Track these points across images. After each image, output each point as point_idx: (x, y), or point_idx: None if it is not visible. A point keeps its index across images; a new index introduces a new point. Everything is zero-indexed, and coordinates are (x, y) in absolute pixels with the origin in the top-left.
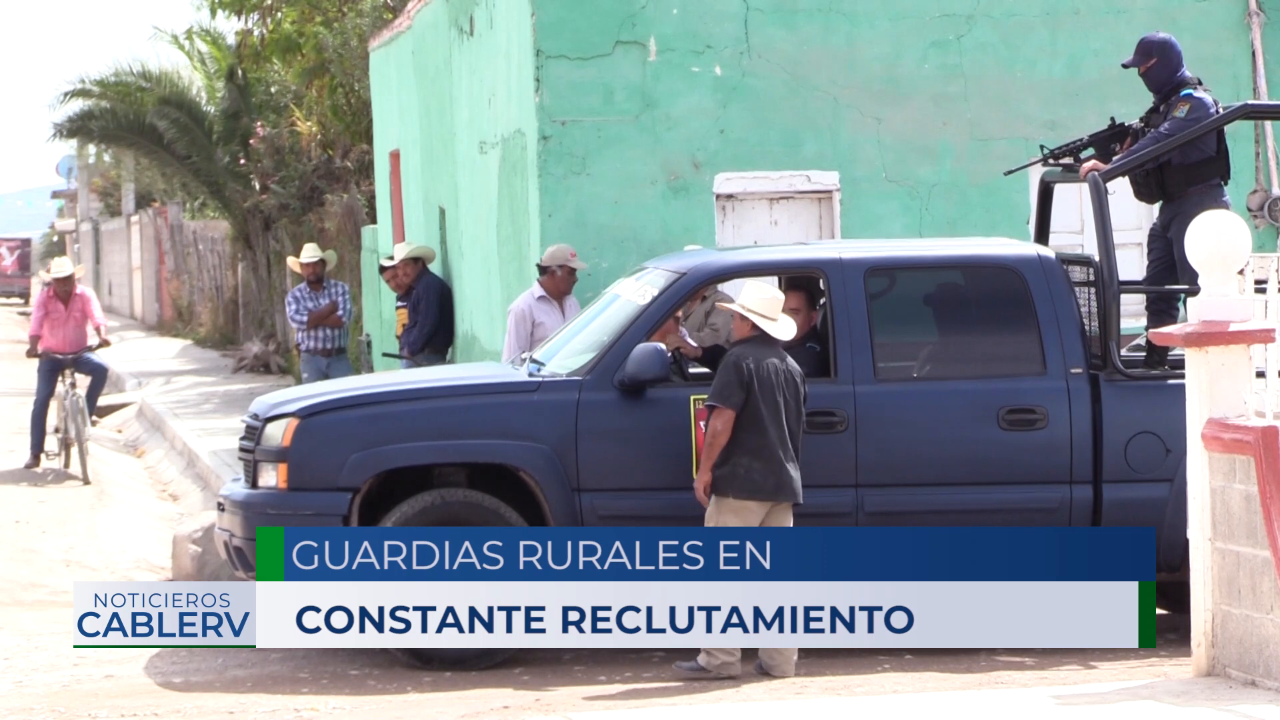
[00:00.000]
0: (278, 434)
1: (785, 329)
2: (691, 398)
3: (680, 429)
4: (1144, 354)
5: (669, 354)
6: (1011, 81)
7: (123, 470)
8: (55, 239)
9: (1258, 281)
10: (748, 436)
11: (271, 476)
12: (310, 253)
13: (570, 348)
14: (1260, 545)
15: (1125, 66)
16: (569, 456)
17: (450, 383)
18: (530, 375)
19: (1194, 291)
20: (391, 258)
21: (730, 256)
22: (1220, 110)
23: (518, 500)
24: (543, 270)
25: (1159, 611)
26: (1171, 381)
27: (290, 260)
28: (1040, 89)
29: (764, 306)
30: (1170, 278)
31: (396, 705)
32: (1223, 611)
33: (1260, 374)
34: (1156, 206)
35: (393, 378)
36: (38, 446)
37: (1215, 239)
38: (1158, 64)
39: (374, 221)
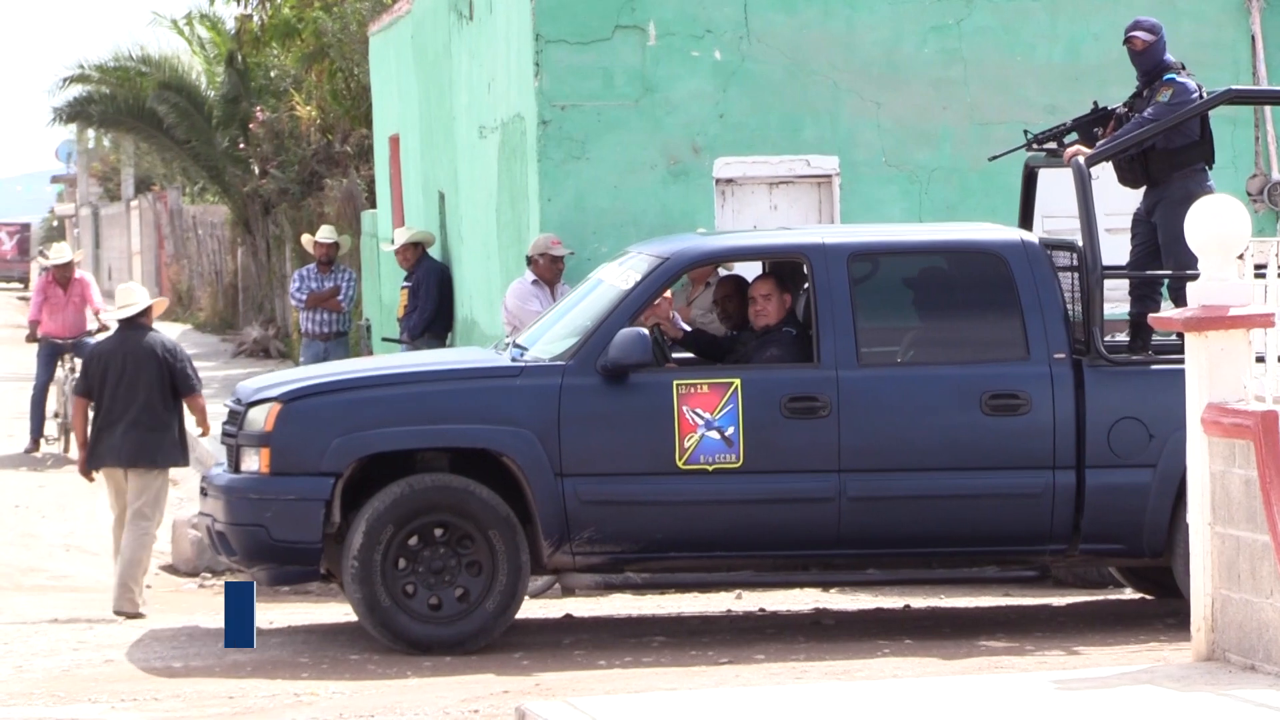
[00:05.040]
0: (260, 418)
1: (125, 309)
2: (674, 382)
3: (663, 413)
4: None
5: (651, 335)
6: (1011, 66)
7: None
8: (54, 224)
9: (1257, 266)
10: (94, 416)
11: (254, 461)
12: (327, 233)
13: (553, 333)
14: (1260, 530)
15: (1127, 35)
16: (552, 441)
17: (433, 367)
18: (513, 360)
19: (1180, 278)
20: (391, 242)
21: (714, 241)
22: (1204, 95)
23: (501, 485)
24: (530, 260)
25: (1142, 596)
26: (1155, 367)
27: (305, 238)
28: (1040, 73)
29: (120, 298)
30: (1153, 263)
31: (396, 690)
32: (1222, 596)
33: (1260, 358)
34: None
35: (376, 362)
36: (37, 431)
37: (1215, 223)
38: (1156, 43)
39: (373, 206)
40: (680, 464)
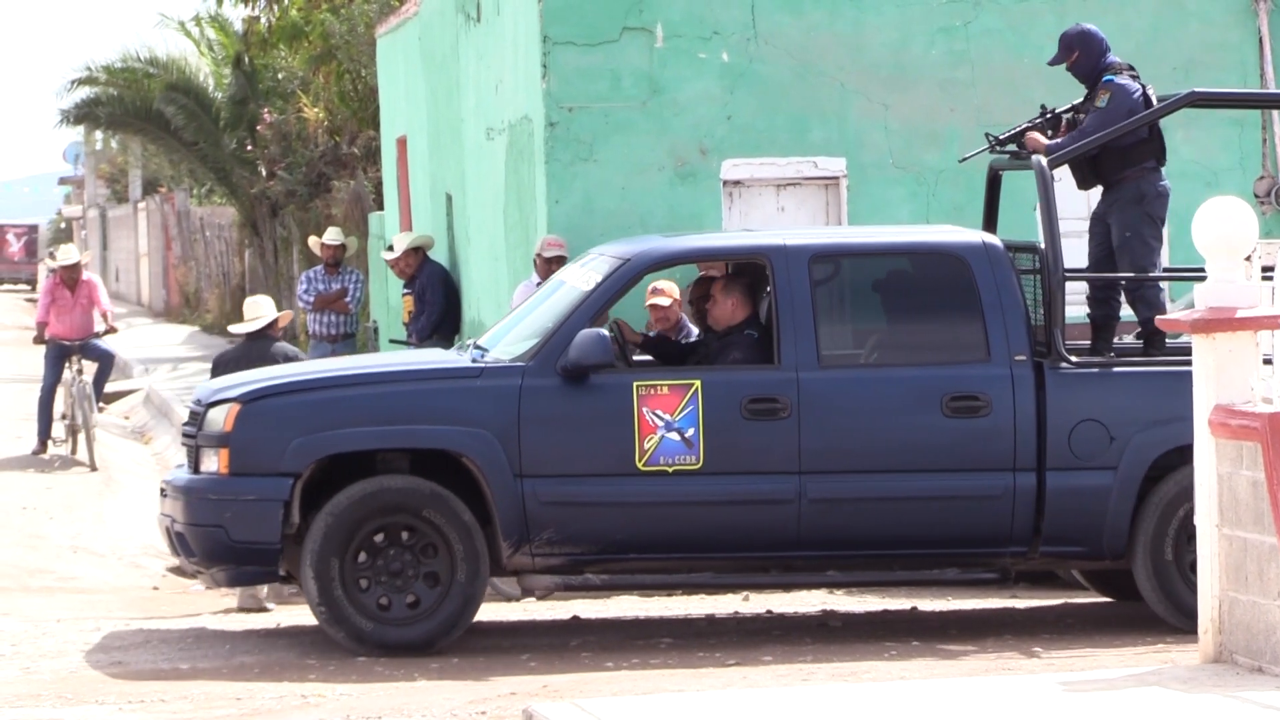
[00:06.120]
0: (219, 419)
1: (252, 323)
2: (635, 383)
3: (623, 415)
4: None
5: (612, 338)
6: (1018, 67)
7: (129, 456)
8: (62, 225)
9: (1265, 268)
10: None
11: (213, 462)
12: (334, 235)
13: (515, 334)
14: (1267, 531)
15: (1051, 64)
16: (512, 442)
17: (393, 368)
18: (474, 361)
19: (1140, 279)
20: (392, 248)
21: (676, 243)
22: (1147, 93)
23: (461, 486)
24: (535, 262)
25: (1104, 599)
26: (1116, 369)
27: (311, 240)
28: (1047, 75)
29: (248, 312)
30: (1111, 264)
31: (404, 692)
32: (1229, 598)
33: (1267, 360)
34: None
35: (337, 363)
36: (45, 433)
37: (1222, 224)
38: (1081, 56)
39: (381, 208)
40: (640, 465)
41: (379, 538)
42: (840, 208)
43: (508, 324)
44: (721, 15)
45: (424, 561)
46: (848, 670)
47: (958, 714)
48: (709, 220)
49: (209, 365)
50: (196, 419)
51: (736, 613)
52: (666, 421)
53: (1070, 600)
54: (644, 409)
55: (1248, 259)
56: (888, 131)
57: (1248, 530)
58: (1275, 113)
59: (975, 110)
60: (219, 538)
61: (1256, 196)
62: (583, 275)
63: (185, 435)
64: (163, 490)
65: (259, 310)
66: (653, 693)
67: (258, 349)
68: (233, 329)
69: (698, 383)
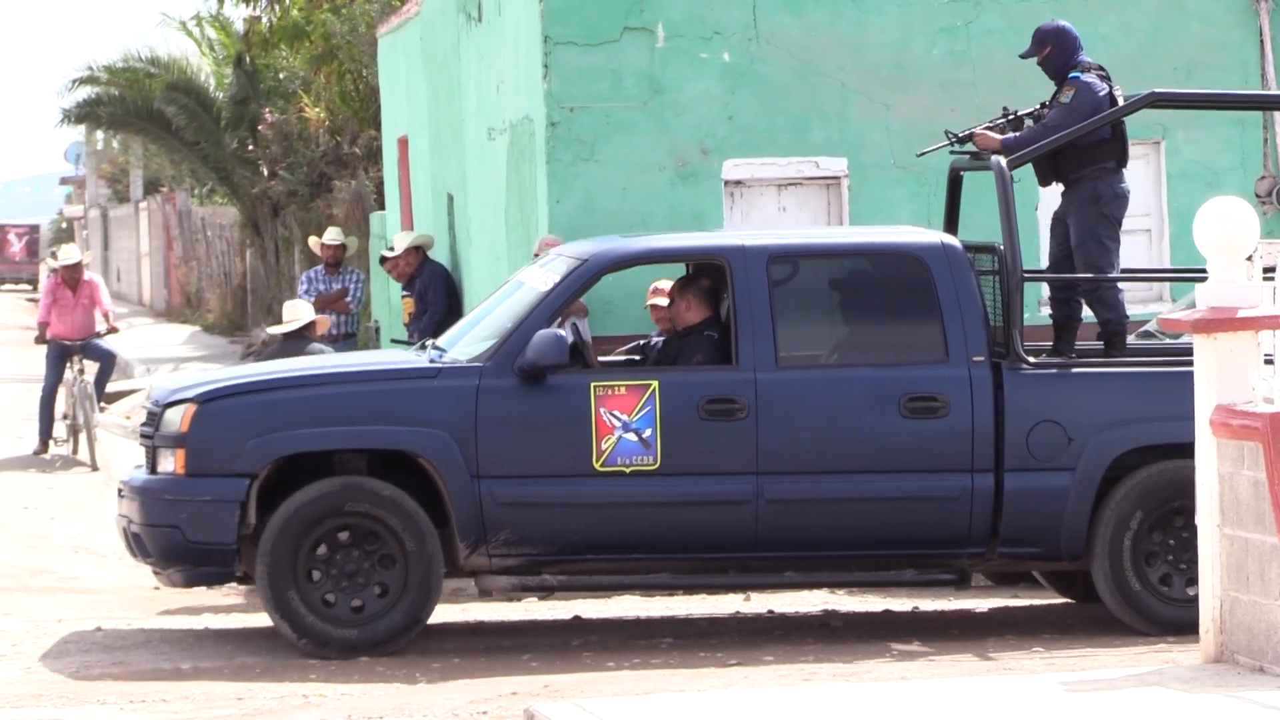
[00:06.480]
0: (176, 419)
1: (290, 324)
2: (592, 384)
3: (581, 415)
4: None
5: (569, 340)
6: (1019, 68)
7: (131, 457)
8: (64, 225)
9: (1266, 268)
10: None
11: (170, 462)
12: (333, 235)
13: (473, 334)
14: (1268, 531)
15: (1023, 57)
16: (469, 443)
17: (351, 369)
18: (431, 361)
19: (1099, 280)
20: (392, 248)
21: (633, 243)
22: (1113, 93)
23: (417, 487)
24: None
25: (1063, 600)
26: (1075, 370)
27: (311, 240)
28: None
29: (286, 314)
30: (1072, 264)
31: (405, 692)
32: (1231, 598)
33: (1268, 360)
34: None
35: (296, 363)
36: (46, 433)
37: (1223, 224)
38: (1053, 52)
39: (382, 208)
40: (597, 466)
41: (321, 550)
42: (841, 208)
43: (466, 324)
44: (722, 15)
45: (371, 549)
46: (849, 670)
47: (959, 714)
48: (710, 220)
49: (211, 365)
50: (153, 419)
51: (738, 613)
52: (624, 422)
53: (1071, 600)
54: (601, 410)
55: (1249, 259)
56: (889, 131)
57: (1249, 530)
58: (1276, 113)
59: (976, 110)
60: (175, 538)
61: (1258, 196)
62: (541, 276)
63: (143, 436)
64: (120, 491)
65: (297, 313)
66: (654, 692)
67: (292, 349)
68: (270, 330)
69: (655, 383)
